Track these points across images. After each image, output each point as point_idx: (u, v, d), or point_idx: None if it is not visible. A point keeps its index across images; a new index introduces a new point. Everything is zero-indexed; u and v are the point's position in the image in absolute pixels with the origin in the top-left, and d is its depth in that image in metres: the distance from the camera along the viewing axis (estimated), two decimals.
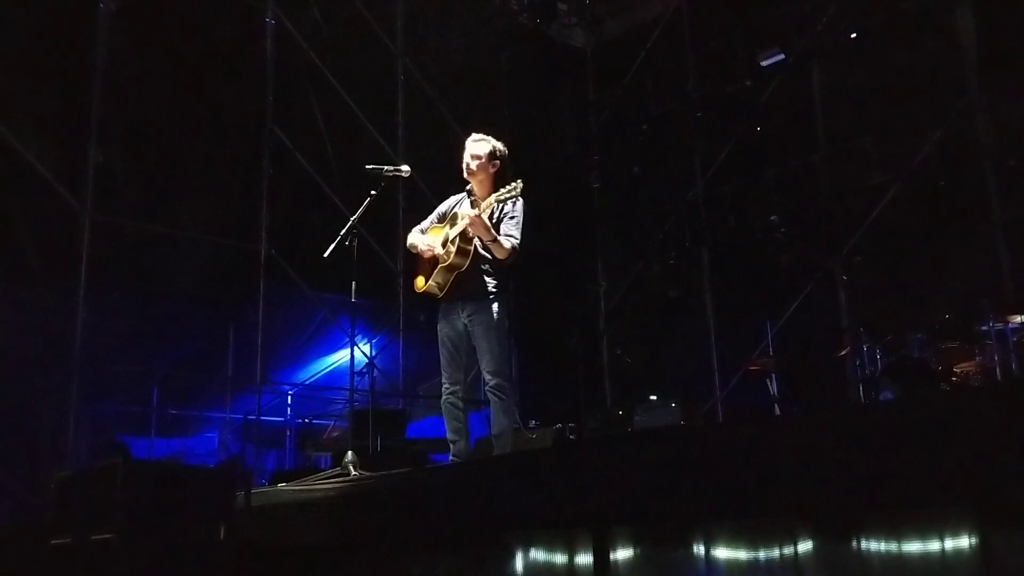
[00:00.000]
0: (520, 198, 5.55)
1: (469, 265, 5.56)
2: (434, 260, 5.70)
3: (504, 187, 5.48)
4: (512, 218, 5.60)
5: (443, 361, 5.79)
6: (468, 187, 5.79)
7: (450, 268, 5.59)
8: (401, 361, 10.30)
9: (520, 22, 11.13)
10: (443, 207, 5.97)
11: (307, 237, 8.67)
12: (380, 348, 10.30)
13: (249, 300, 9.20)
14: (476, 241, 5.55)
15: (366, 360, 9.72)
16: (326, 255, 5.95)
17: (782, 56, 9.87)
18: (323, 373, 10.60)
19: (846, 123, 9.67)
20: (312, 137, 9.75)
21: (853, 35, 9.42)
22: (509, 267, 5.66)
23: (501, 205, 5.52)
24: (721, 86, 10.67)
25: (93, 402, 8.16)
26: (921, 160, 9.07)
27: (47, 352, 7.94)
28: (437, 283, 5.65)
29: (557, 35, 12.11)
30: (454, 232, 5.62)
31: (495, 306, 5.58)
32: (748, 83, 10.35)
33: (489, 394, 5.66)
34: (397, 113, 10.67)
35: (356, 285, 5.98)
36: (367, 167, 6.05)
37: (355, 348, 6.73)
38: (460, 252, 5.55)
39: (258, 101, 9.49)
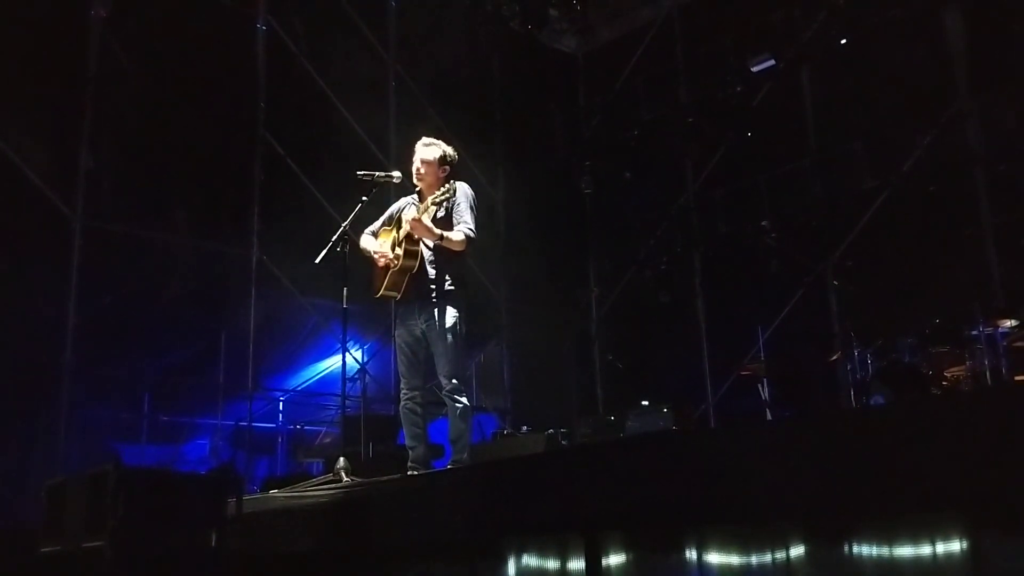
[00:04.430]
0: (465, 184, 5.75)
1: (419, 266, 5.68)
2: (387, 265, 5.77)
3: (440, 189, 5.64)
4: (459, 205, 5.74)
5: (401, 367, 5.89)
6: (418, 189, 5.88)
7: (402, 271, 5.69)
8: (393, 367, 10.26)
9: (511, 28, 11.13)
10: (392, 208, 6.08)
11: (299, 243, 8.65)
12: (372, 354, 10.27)
13: (240, 306, 9.18)
14: (423, 240, 5.67)
15: (358, 366, 9.71)
16: (318, 261, 5.95)
17: (773, 62, 9.89)
18: (315, 379, 10.56)
19: (837, 128, 9.71)
20: (304, 143, 9.73)
21: (843, 41, 9.44)
22: (465, 259, 5.83)
23: (447, 200, 5.63)
24: (712, 92, 10.69)
25: (84, 408, 8.12)
26: (911, 165, 9.10)
27: (38, 358, 7.90)
28: (393, 286, 5.75)
29: (548, 41, 12.13)
30: (400, 235, 5.73)
31: (451, 308, 5.67)
32: (739, 89, 10.36)
33: (446, 399, 5.70)
34: (389, 119, 10.67)
35: (347, 291, 5.98)
36: (359, 173, 6.05)
37: (347, 354, 6.70)
38: (408, 255, 5.66)
39: (250, 107, 9.48)
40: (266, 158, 9.46)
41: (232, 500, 4.78)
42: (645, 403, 8.76)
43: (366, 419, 8.53)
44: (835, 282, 9.51)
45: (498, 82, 11.74)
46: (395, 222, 5.91)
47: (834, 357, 8.34)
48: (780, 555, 3.38)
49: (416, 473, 5.67)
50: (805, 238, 9.88)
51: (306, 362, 10.51)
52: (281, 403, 10.10)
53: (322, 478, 6.00)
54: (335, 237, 5.92)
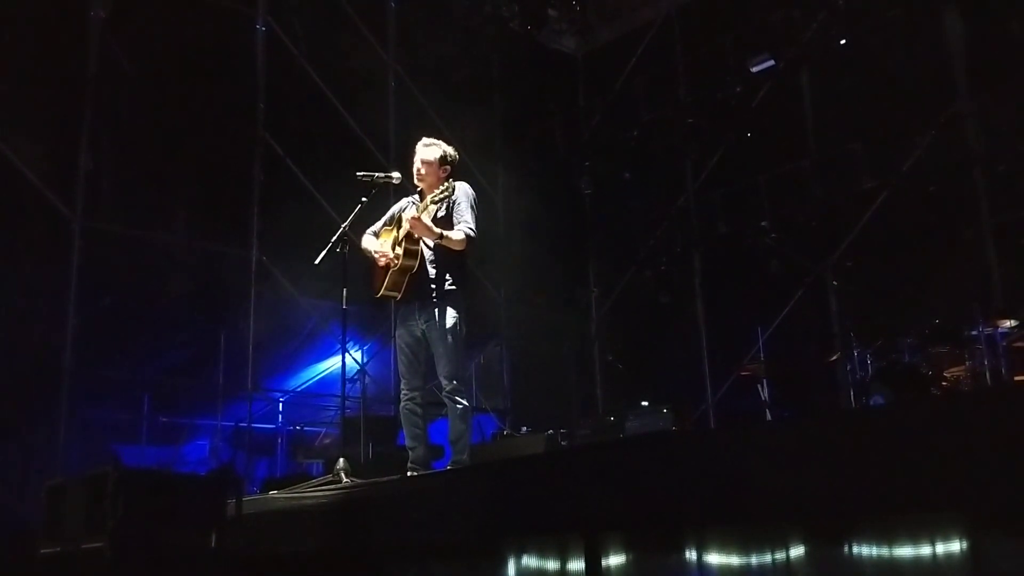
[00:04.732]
0: (465, 184, 5.77)
1: (419, 265, 5.69)
2: (388, 265, 5.78)
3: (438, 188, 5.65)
4: (459, 204, 5.74)
5: (401, 368, 5.90)
6: (419, 190, 5.88)
7: (402, 271, 5.70)
8: (393, 367, 10.25)
9: (511, 28, 11.13)
10: (394, 209, 6.09)
11: (298, 244, 8.66)
12: (372, 355, 10.27)
13: (240, 307, 9.17)
14: (423, 240, 5.68)
15: (358, 367, 9.70)
16: (317, 262, 5.95)
17: (772, 62, 9.89)
18: (314, 380, 10.56)
19: (836, 129, 9.69)
20: (303, 144, 9.73)
21: (843, 41, 9.44)
22: (465, 258, 5.83)
23: (446, 200, 5.65)
24: (712, 92, 10.69)
25: (84, 410, 8.12)
26: (911, 165, 9.09)
27: (38, 358, 7.90)
28: (393, 286, 5.76)
29: (548, 41, 12.13)
30: (400, 235, 5.75)
31: (451, 308, 5.67)
32: (738, 89, 10.37)
33: (447, 399, 5.71)
34: (388, 119, 10.67)
35: (347, 292, 5.98)
36: (358, 174, 6.06)
37: (346, 355, 6.71)
38: (408, 254, 5.68)
39: (249, 108, 9.48)
40: (266, 158, 9.45)
41: (232, 501, 4.78)
42: (645, 403, 8.77)
43: (366, 420, 8.54)
44: (834, 282, 9.51)
45: (498, 82, 11.73)
46: (396, 222, 5.92)
47: (834, 357, 8.35)
48: (780, 555, 3.38)
49: (416, 474, 5.68)
50: (805, 238, 9.87)
51: (306, 363, 10.51)
52: (281, 404, 10.09)
53: (322, 479, 6.00)
54: (334, 238, 5.92)
